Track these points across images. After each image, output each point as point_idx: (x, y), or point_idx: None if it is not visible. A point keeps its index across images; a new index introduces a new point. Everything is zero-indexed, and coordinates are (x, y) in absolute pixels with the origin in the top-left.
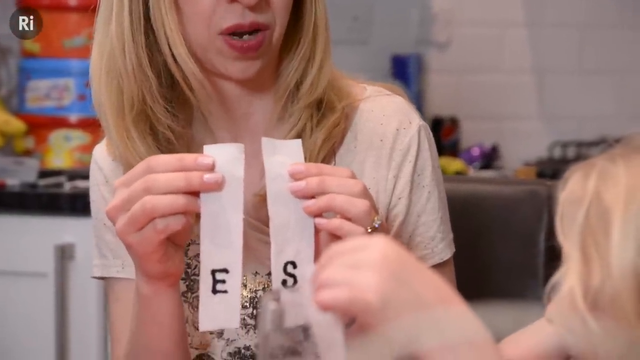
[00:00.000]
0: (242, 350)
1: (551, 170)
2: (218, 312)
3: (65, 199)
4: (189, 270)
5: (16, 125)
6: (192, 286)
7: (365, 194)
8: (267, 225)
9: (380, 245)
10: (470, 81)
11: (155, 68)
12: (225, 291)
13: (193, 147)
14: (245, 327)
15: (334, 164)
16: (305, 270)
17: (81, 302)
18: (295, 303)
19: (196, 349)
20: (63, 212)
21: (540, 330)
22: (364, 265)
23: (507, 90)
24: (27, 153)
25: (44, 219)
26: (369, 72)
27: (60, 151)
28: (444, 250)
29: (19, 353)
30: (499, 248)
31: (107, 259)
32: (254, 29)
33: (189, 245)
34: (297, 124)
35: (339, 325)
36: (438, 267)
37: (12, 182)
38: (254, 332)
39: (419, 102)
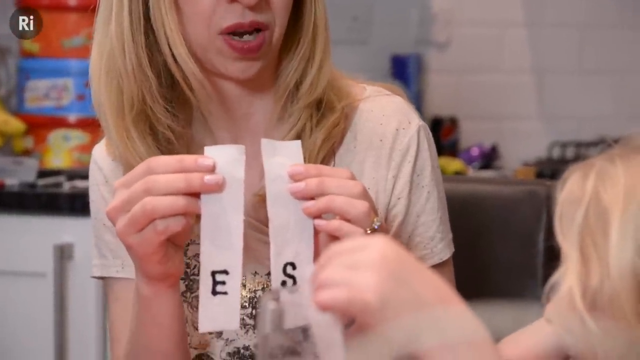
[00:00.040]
0: (242, 350)
1: (550, 170)
2: (218, 314)
3: (65, 199)
4: (188, 270)
5: (15, 125)
6: (191, 286)
7: (364, 195)
8: (267, 226)
9: (379, 245)
10: (470, 81)
11: (155, 68)
12: (225, 292)
13: (193, 147)
14: (245, 327)
15: (334, 164)
16: (304, 272)
17: (80, 302)
18: (295, 303)
19: (195, 348)
20: (62, 212)
21: (539, 330)
22: (362, 266)
23: (507, 90)
24: (26, 153)
25: (43, 218)
26: (368, 72)
27: (60, 151)
28: (443, 250)
29: (18, 353)
30: (498, 248)
31: (106, 259)
32: (254, 29)
33: (188, 245)
34: (297, 124)
35: (338, 325)
36: (437, 267)
37: (11, 182)
38: (253, 332)
39: (418, 102)
